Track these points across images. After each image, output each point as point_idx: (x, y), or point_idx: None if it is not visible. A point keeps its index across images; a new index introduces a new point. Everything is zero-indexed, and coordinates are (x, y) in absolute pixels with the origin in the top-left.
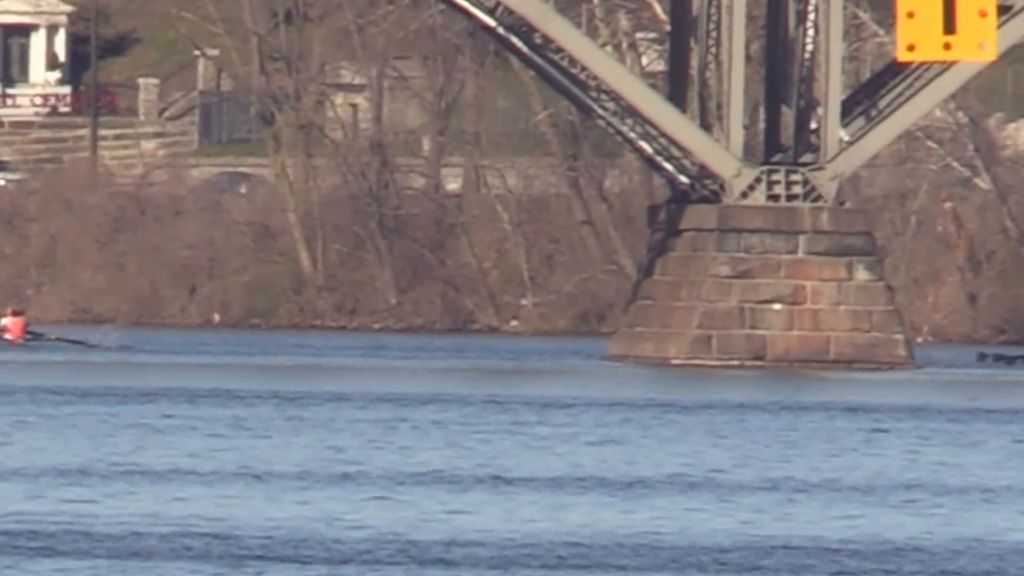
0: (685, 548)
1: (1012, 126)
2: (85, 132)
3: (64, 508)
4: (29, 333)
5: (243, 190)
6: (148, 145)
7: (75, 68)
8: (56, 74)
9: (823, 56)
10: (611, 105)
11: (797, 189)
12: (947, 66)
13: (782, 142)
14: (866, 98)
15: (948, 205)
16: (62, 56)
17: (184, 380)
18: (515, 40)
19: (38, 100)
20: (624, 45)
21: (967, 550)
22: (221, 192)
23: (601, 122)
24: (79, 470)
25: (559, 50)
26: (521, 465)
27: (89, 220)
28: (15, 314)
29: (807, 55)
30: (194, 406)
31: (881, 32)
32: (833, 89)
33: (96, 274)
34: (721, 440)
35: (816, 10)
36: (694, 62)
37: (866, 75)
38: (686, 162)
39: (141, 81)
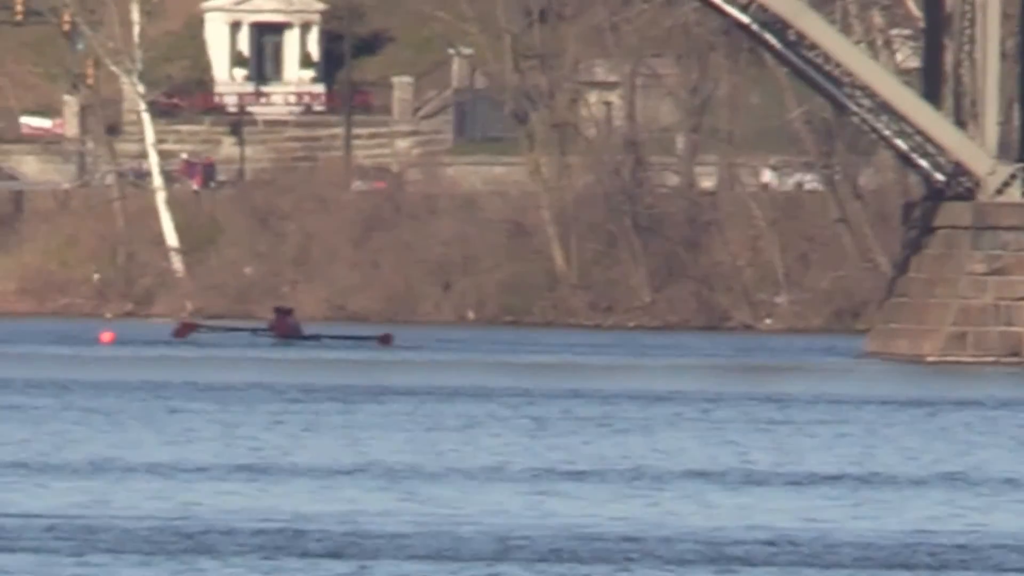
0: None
1: None
2: (339, 131)
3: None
4: (306, 337)
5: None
6: (402, 144)
7: (328, 66)
8: (310, 72)
9: None
10: (866, 102)
11: None
12: None
13: None
14: None
15: None
16: (315, 54)
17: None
18: (769, 37)
19: (292, 98)
20: (878, 42)
21: None
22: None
23: (856, 119)
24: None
25: (813, 47)
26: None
27: (343, 218)
28: (279, 312)
29: None
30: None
31: None
32: None
33: (351, 271)
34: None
35: None
36: (948, 59)
37: None
38: (941, 159)
39: (395, 79)
